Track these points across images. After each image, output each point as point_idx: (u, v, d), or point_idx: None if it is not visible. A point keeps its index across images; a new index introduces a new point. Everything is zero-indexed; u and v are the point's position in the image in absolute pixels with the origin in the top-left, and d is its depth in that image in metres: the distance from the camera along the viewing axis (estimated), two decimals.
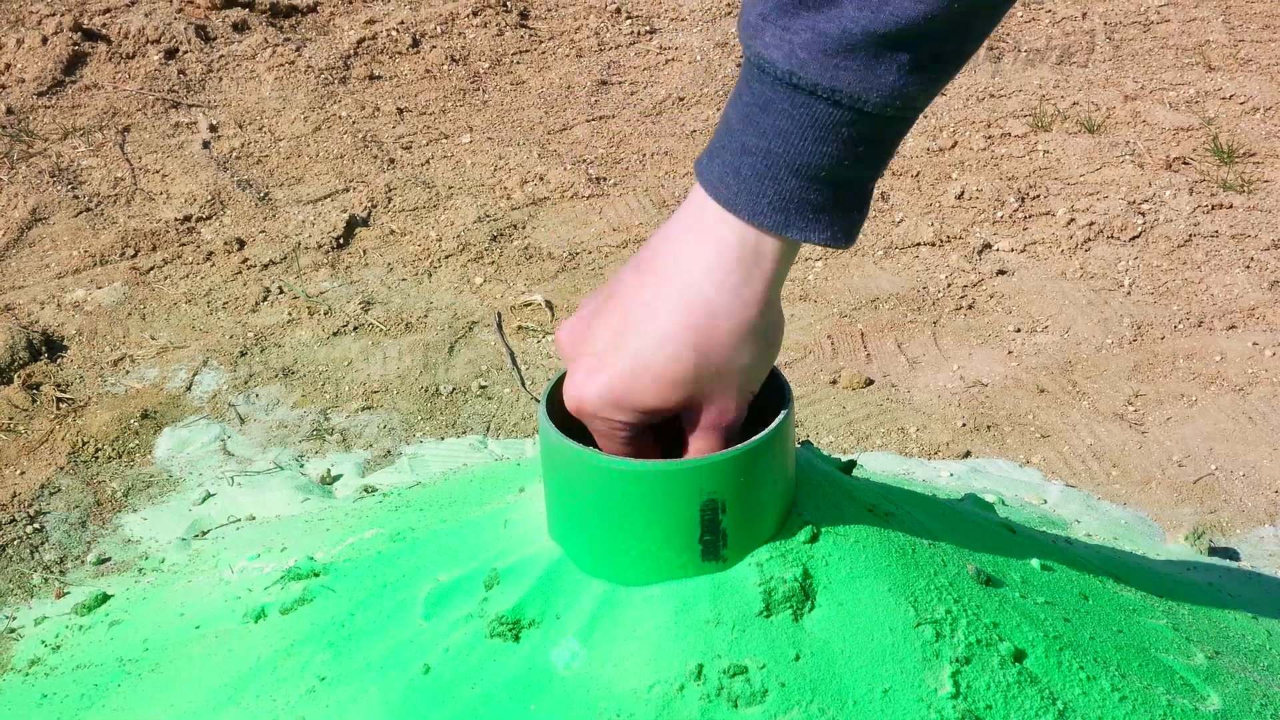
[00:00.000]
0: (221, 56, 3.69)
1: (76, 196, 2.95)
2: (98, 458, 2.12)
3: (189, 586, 1.53)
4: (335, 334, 2.50)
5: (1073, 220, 2.91)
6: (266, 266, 2.72)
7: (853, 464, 1.23)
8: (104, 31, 3.69)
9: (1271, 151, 3.22)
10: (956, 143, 3.30)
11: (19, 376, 2.30)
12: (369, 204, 2.98)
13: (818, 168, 0.82)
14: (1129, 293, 2.66)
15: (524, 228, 2.91)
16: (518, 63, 3.79)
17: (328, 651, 1.06)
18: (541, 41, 3.92)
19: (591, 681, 0.92)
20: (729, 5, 4.19)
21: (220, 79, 3.60)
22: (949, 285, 2.69)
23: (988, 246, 2.84)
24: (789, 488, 0.98)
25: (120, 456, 2.13)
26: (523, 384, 2.36)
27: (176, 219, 2.87)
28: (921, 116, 1.00)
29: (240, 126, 3.33)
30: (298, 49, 3.73)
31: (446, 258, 2.79)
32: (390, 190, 3.04)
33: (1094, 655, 1.02)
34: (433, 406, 2.30)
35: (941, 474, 2.11)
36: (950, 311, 2.61)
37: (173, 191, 3.00)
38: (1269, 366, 2.41)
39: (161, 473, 2.09)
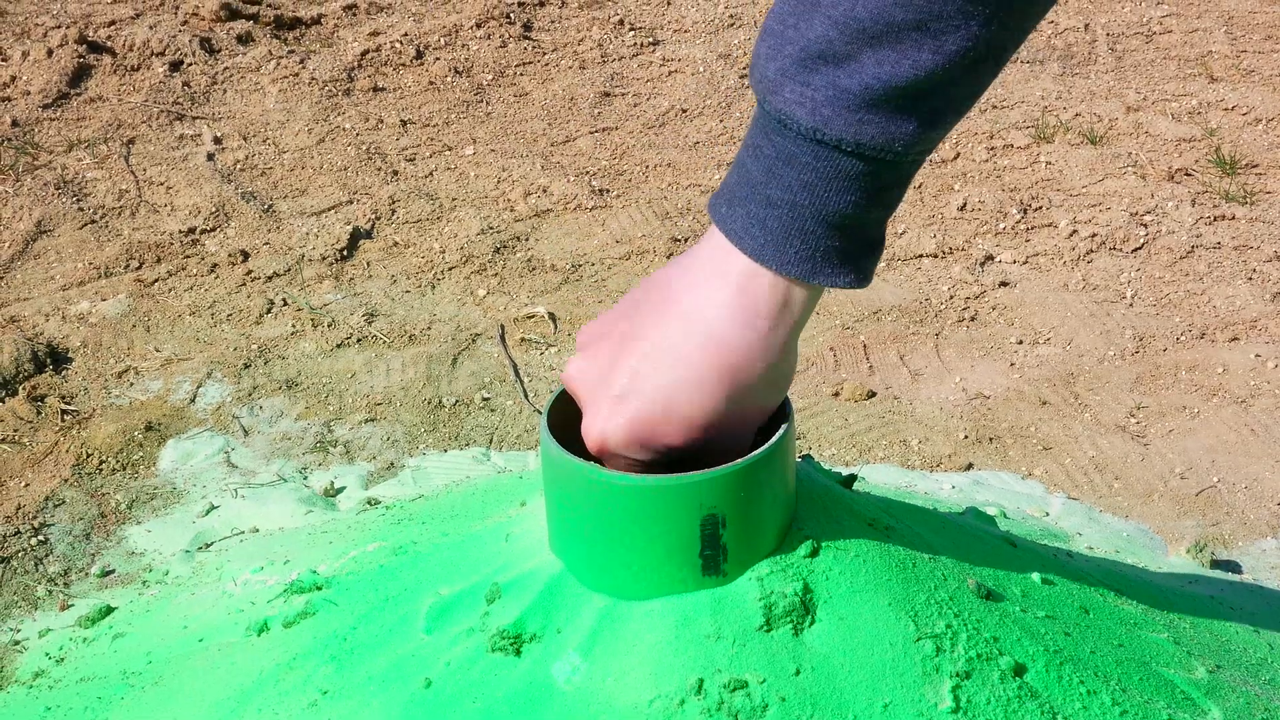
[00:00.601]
0: (226, 69, 3.70)
1: (81, 209, 2.95)
2: (102, 470, 2.13)
3: (192, 599, 1.54)
4: (339, 346, 2.51)
5: (1075, 232, 2.91)
6: (270, 279, 2.72)
7: (853, 478, 1.23)
8: (109, 44, 3.70)
9: (1274, 162, 3.22)
10: (959, 154, 3.31)
11: (24, 388, 2.30)
12: (372, 216, 2.99)
13: (842, 216, 0.84)
14: (1131, 304, 2.66)
15: (527, 239, 2.92)
16: (521, 74, 3.80)
17: (330, 665, 1.07)
18: (545, 53, 3.93)
19: (592, 696, 0.92)
20: (731, 17, 4.20)
21: (224, 91, 3.61)
22: (951, 297, 2.70)
23: (990, 258, 2.84)
24: (789, 502, 0.99)
25: (124, 469, 2.14)
26: (525, 396, 2.36)
27: (181, 231, 2.88)
28: None
29: (244, 139, 3.34)
30: (302, 61, 3.74)
31: (450, 270, 2.79)
32: (394, 202, 3.04)
33: (1094, 669, 1.02)
34: (436, 419, 2.30)
35: (944, 486, 2.11)
36: (953, 323, 2.62)
37: (177, 204, 3.01)
38: (1271, 378, 2.41)
39: (165, 485, 2.10)
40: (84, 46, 3.66)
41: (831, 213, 0.84)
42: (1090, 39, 4.02)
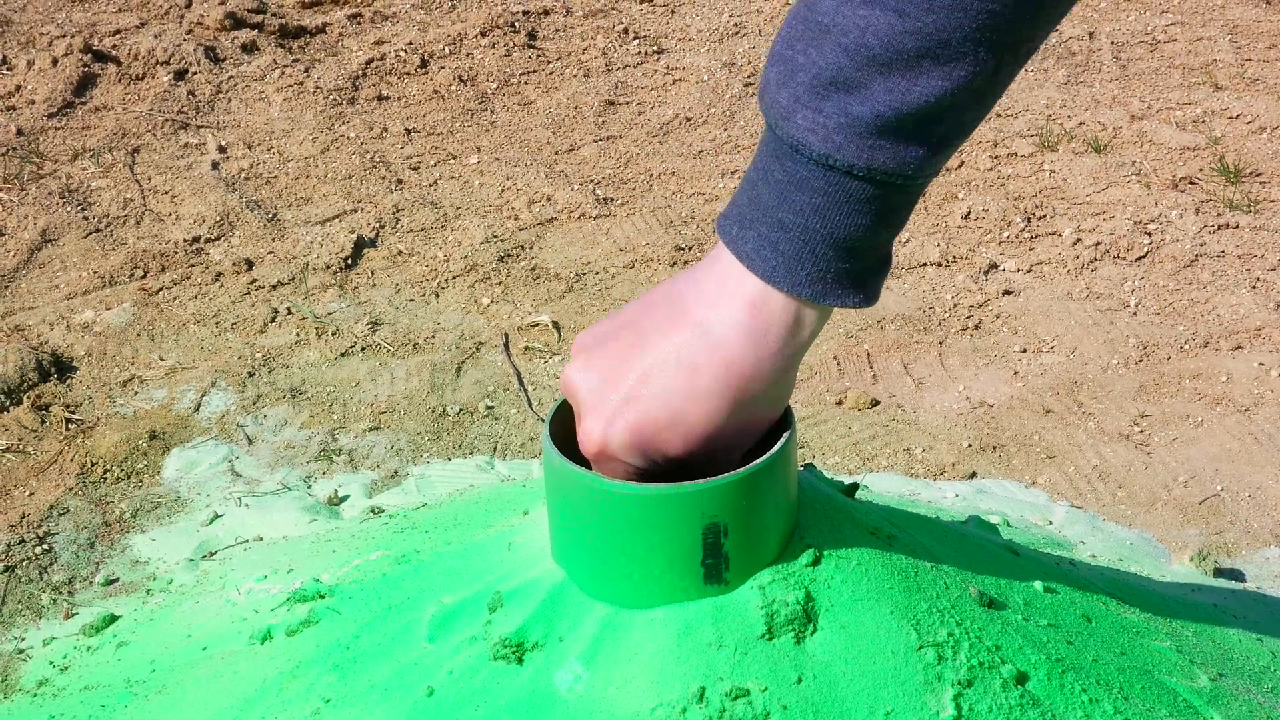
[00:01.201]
0: (230, 78, 3.71)
1: (86, 218, 2.96)
2: (106, 479, 2.13)
3: (196, 607, 1.54)
4: (343, 355, 2.51)
5: (1079, 240, 2.92)
6: (275, 287, 2.73)
7: (856, 487, 1.23)
8: (114, 53, 3.71)
9: (1278, 171, 3.22)
10: (963, 163, 3.31)
11: (28, 397, 2.31)
12: (377, 225, 2.99)
13: (852, 239, 0.85)
14: (1135, 313, 2.66)
15: (531, 248, 2.92)
16: (525, 83, 3.81)
17: (333, 673, 1.07)
18: (549, 62, 3.93)
19: (594, 704, 0.92)
20: (736, 26, 4.20)
21: (229, 100, 3.61)
22: (955, 305, 2.70)
23: (994, 267, 2.84)
24: (791, 511, 0.99)
25: (129, 477, 2.14)
26: (529, 405, 2.37)
27: (185, 240, 2.88)
28: None
29: (249, 147, 3.35)
30: (306, 70, 3.74)
31: (454, 278, 2.80)
32: (398, 211, 3.05)
33: (1097, 678, 1.02)
34: (440, 427, 2.30)
35: (947, 495, 2.12)
36: (956, 332, 2.62)
37: (181, 212, 3.02)
38: (1275, 387, 2.41)
39: (170, 493, 2.10)
40: (89, 55, 3.67)
41: (842, 236, 0.85)
42: (1095, 47, 4.03)
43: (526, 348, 2.55)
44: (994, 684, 0.96)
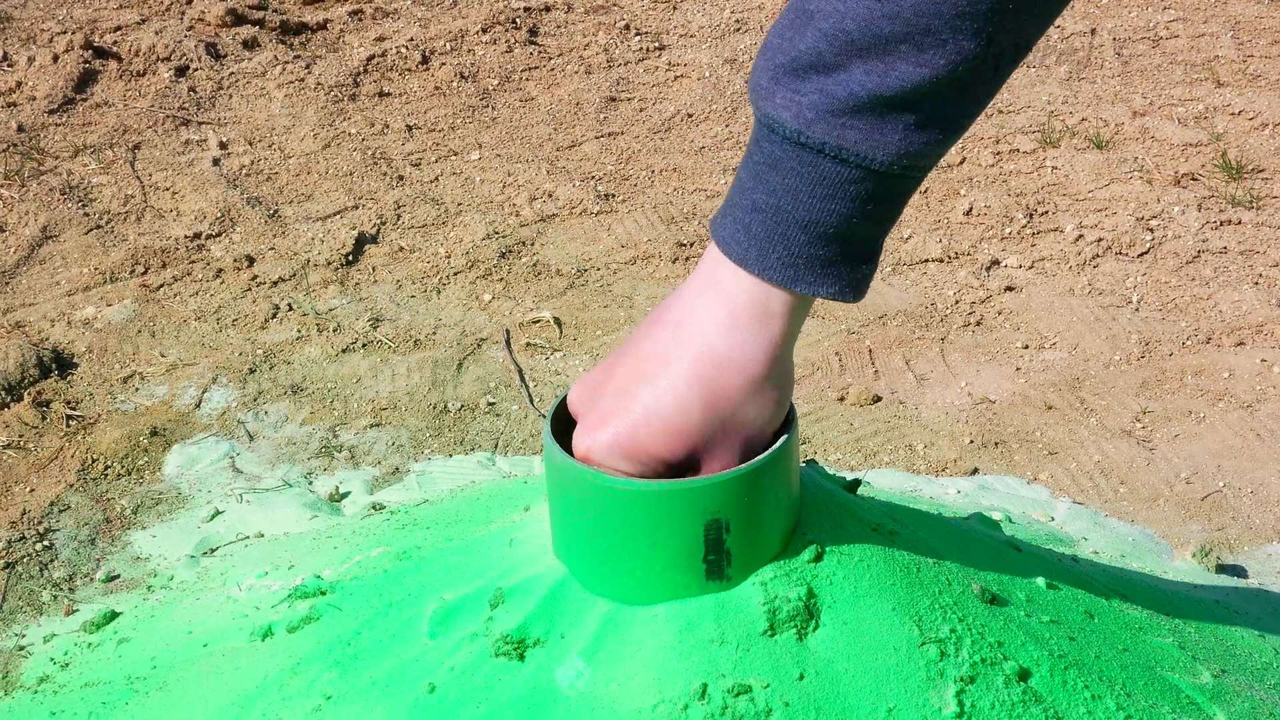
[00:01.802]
0: (232, 74, 3.71)
1: (87, 214, 2.96)
2: (107, 475, 2.13)
3: (197, 604, 1.54)
4: (344, 351, 2.51)
5: (1081, 236, 2.91)
6: (276, 284, 2.73)
7: (857, 483, 1.23)
8: (115, 49, 3.71)
9: None
10: (965, 159, 3.31)
11: (29, 394, 2.31)
12: (378, 221, 2.99)
13: (826, 224, 0.84)
14: (1137, 309, 2.66)
15: (533, 244, 2.92)
16: (527, 79, 3.81)
17: (334, 670, 1.07)
18: (551, 58, 3.93)
19: (596, 701, 0.92)
20: (738, 22, 4.20)
21: (230, 96, 3.61)
22: (957, 302, 2.70)
23: (996, 263, 2.84)
24: (793, 507, 0.99)
25: (129, 474, 2.14)
26: (531, 401, 2.36)
27: (186, 236, 2.88)
28: None
29: (250, 144, 3.35)
30: (308, 66, 3.74)
31: (455, 274, 2.79)
32: (399, 207, 3.05)
33: (1099, 674, 1.02)
34: (441, 424, 2.30)
35: (949, 491, 2.11)
36: (958, 328, 2.62)
37: (183, 209, 3.01)
38: (1277, 383, 2.41)
39: (170, 490, 2.10)
40: (90, 52, 3.67)
41: (815, 220, 0.84)
42: (1097, 43, 4.02)
43: (528, 344, 2.55)
44: (996, 680, 0.96)
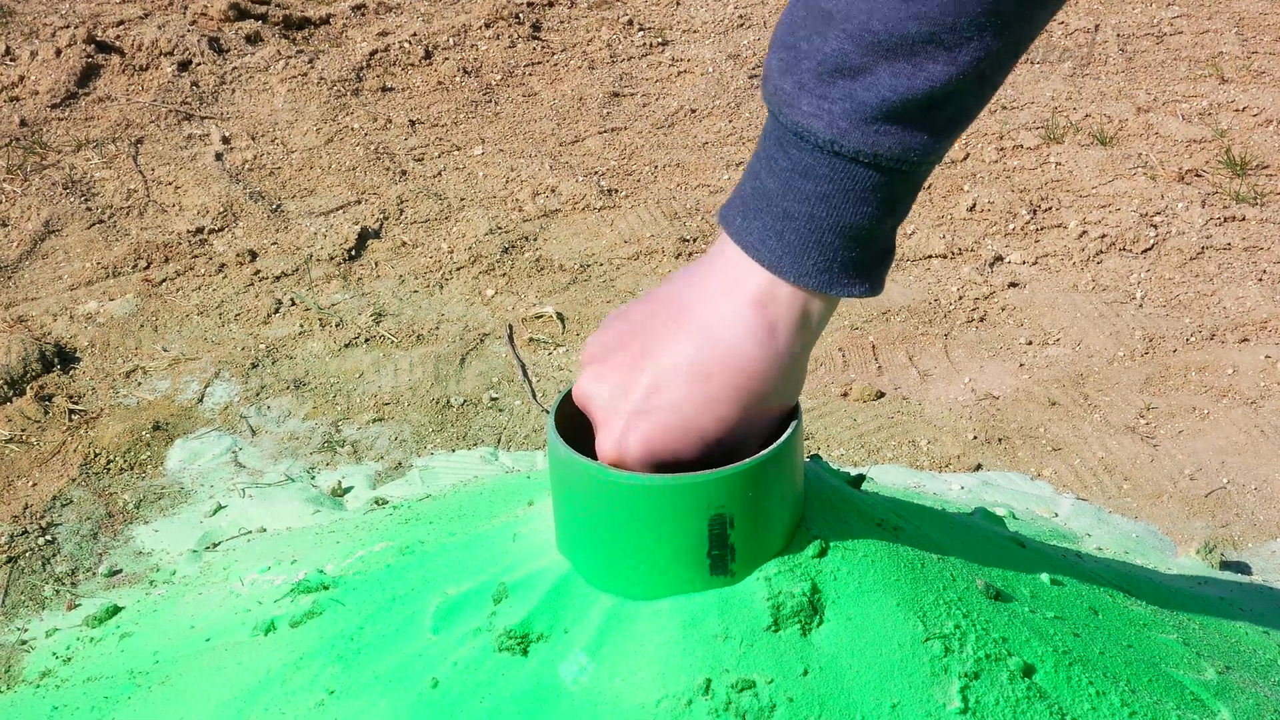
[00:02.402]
0: (234, 69, 3.70)
1: (89, 208, 2.96)
2: (109, 469, 2.13)
3: (199, 599, 1.54)
4: (346, 346, 2.50)
5: (1085, 232, 2.91)
6: (278, 278, 2.72)
7: (862, 478, 1.23)
8: (117, 44, 3.71)
9: None
10: (968, 155, 3.30)
11: (31, 388, 2.30)
12: (381, 216, 2.99)
13: (858, 227, 0.85)
14: (1141, 305, 2.66)
15: (535, 239, 2.92)
16: (530, 74, 3.80)
17: (337, 665, 1.07)
18: (554, 53, 3.93)
19: (599, 696, 0.92)
20: (741, 17, 4.19)
21: (233, 91, 3.61)
22: (960, 297, 2.69)
23: (999, 259, 2.84)
24: (797, 502, 0.98)
25: (132, 468, 2.14)
26: (534, 396, 2.36)
27: (189, 231, 2.88)
28: None
29: (253, 138, 3.34)
30: (310, 61, 3.74)
31: (458, 269, 2.79)
32: (402, 202, 3.04)
33: (1103, 670, 1.02)
34: (444, 418, 2.30)
35: (952, 487, 2.11)
36: (962, 324, 2.61)
37: (185, 203, 3.01)
38: None
39: (173, 484, 2.10)
40: (92, 46, 3.67)
41: (848, 224, 0.84)
42: (1101, 40, 4.02)
43: (531, 339, 2.55)
44: (1001, 676, 0.96)
